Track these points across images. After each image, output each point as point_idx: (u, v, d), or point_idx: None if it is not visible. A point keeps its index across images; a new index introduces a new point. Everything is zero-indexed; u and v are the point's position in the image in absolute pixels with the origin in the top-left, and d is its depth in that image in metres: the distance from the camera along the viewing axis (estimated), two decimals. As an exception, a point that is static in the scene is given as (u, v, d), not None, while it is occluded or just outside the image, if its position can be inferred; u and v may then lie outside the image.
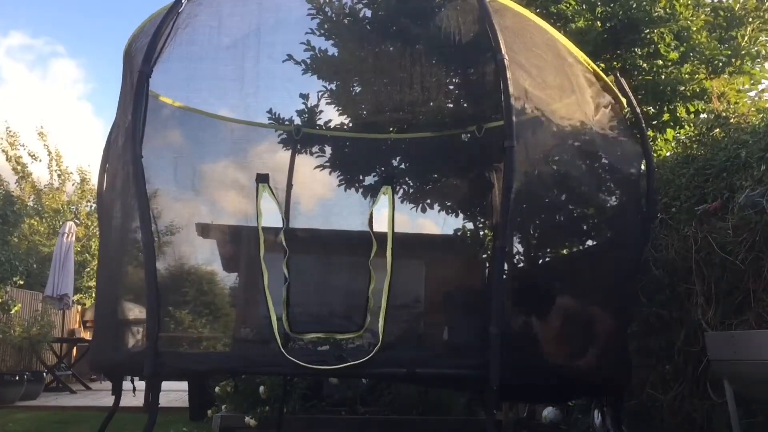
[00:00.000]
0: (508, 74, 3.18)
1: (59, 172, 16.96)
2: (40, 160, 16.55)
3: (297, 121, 5.69)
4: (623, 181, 4.36)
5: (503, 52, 3.19)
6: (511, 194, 3.13)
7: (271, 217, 4.30)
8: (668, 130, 5.76)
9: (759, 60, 5.96)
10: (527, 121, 4.00)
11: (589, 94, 3.95)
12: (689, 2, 5.72)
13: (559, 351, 3.89)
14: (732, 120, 4.99)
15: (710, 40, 5.75)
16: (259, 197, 3.56)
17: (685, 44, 5.62)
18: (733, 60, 5.84)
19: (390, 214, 3.36)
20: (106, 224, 4.24)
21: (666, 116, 5.64)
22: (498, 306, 3.12)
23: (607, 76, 4.34)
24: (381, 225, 3.66)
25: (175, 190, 4.30)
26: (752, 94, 6.08)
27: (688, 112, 5.65)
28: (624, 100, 4.21)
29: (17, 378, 8.90)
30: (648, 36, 5.56)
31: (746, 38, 5.91)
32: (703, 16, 5.74)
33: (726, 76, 5.77)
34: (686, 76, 5.44)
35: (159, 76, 3.36)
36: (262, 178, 3.61)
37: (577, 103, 3.90)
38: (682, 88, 5.49)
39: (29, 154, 16.28)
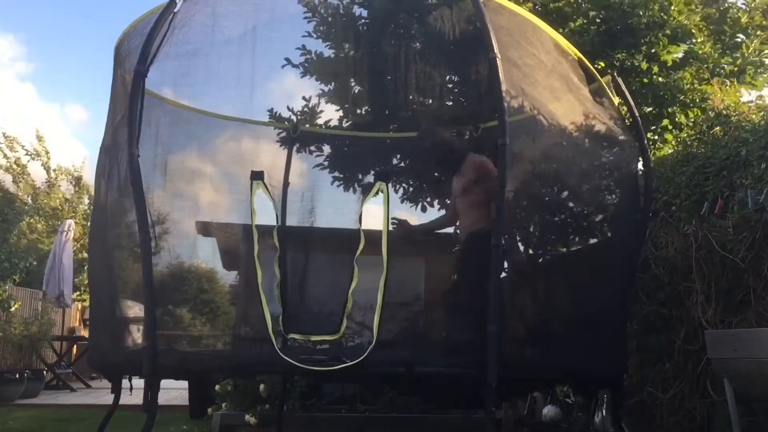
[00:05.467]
0: (501, 73, 3.17)
1: (55, 170, 16.90)
2: (39, 158, 16.50)
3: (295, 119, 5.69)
4: (621, 179, 4.35)
5: (495, 51, 3.18)
6: (504, 192, 3.13)
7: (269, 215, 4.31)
8: (667, 135, 5.76)
9: (761, 70, 5.97)
10: (524, 120, 3.99)
11: (586, 93, 3.94)
12: (683, 7, 5.71)
13: None
14: (732, 118, 4.98)
15: (714, 51, 5.76)
16: (254, 195, 3.54)
17: (681, 44, 5.62)
18: (735, 70, 5.85)
19: (385, 212, 3.34)
20: (100, 221, 4.22)
21: (665, 122, 5.64)
22: (495, 304, 3.11)
23: (605, 75, 4.33)
24: (374, 222, 3.63)
25: (171, 189, 4.28)
26: (753, 97, 6.10)
27: (687, 117, 5.66)
28: (617, 100, 4.19)
29: (17, 376, 8.90)
30: (644, 39, 5.56)
31: (751, 49, 5.92)
32: (698, 18, 5.72)
33: (728, 84, 5.76)
34: (686, 85, 5.45)
35: (155, 74, 3.35)
36: (257, 176, 3.59)
37: (575, 102, 3.89)
38: (682, 96, 5.51)
39: (27, 153, 16.24)
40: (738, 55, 5.90)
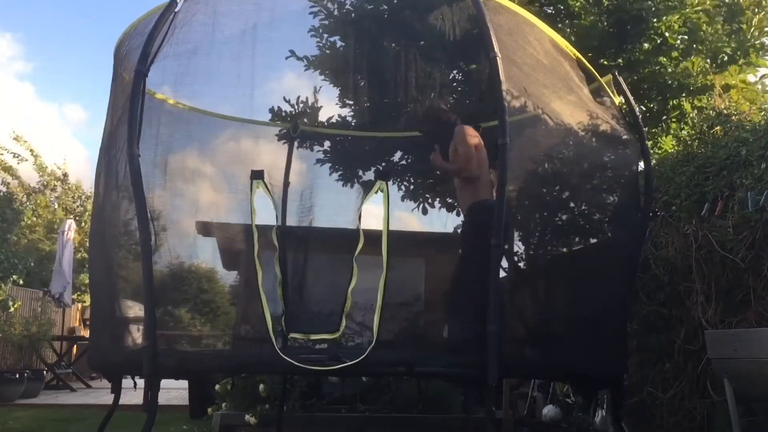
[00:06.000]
0: (501, 72, 3.17)
1: (47, 175, 16.88)
2: (26, 160, 16.48)
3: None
4: (622, 179, 4.35)
5: (496, 50, 3.18)
6: (505, 192, 3.12)
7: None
8: (672, 124, 5.73)
9: (762, 52, 5.93)
10: (525, 120, 3.98)
11: (586, 92, 3.94)
12: None
13: None
14: (733, 118, 4.98)
15: (716, 33, 5.72)
16: (254, 194, 3.54)
17: (690, 35, 5.59)
18: (739, 53, 5.81)
19: (385, 211, 3.34)
20: (100, 221, 4.22)
21: (674, 116, 5.62)
22: (495, 304, 3.11)
23: (609, 72, 4.32)
24: (373, 221, 3.63)
25: (171, 188, 4.28)
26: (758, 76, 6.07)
27: (693, 106, 5.62)
28: (618, 99, 4.19)
29: (17, 376, 8.90)
30: (655, 25, 5.52)
31: (752, 29, 5.88)
32: (708, 1, 5.69)
33: (732, 69, 5.73)
34: (696, 69, 5.41)
35: (154, 73, 3.34)
36: (257, 175, 3.59)
37: (575, 102, 3.89)
38: (690, 80, 5.47)
39: (14, 156, 16.21)
40: (740, 36, 5.83)
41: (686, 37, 5.59)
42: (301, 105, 5.77)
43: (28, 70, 33.05)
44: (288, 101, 5.68)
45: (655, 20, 5.49)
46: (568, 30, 4.88)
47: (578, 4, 5.64)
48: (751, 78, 6.05)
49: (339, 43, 5.75)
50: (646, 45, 5.61)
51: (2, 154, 15.84)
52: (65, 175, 17.20)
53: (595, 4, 5.72)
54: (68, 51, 33.44)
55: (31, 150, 16.41)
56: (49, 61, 32.65)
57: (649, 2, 5.49)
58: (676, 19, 5.47)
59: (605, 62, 5.36)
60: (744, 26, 5.82)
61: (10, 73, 31.47)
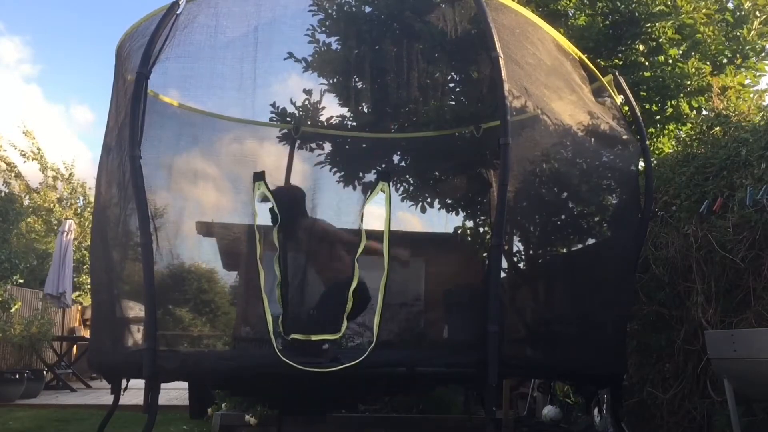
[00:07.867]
0: (503, 72, 3.17)
1: (52, 171, 16.87)
2: (33, 159, 16.44)
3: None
4: (622, 179, 4.36)
5: (498, 50, 3.18)
6: (506, 191, 3.13)
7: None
8: (670, 124, 5.73)
9: (764, 55, 5.93)
10: (526, 120, 3.99)
11: (587, 92, 3.95)
12: None
13: None
14: (732, 118, 4.98)
15: (716, 35, 5.72)
16: (255, 196, 3.54)
17: (688, 40, 5.59)
18: (737, 56, 5.81)
19: (387, 211, 3.35)
20: (101, 222, 4.23)
21: (669, 111, 5.61)
22: (495, 304, 3.12)
23: (607, 73, 4.33)
24: (375, 221, 3.63)
25: (173, 189, 4.28)
26: (756, 88, 6.07)
27: (691, 108, 5.62)
28: (619, 99, 4.19)
29: (17, 376, 8.89)
30: (649, 30, 5.53)
31: (752, 33, 5.88)
32: (704, 11, 5.70)
33: (730, 72, 5.73)
34: (692, 70, 5.41)
35: (156, 75, 3.35)
36: (259, 176, 3.59)
37: (576, 102, 3.89)
38: (688, 82, 5.47)
39: (21, 154, 16.17)
40: (739, 40, 5.83)
41: (682, 42, 5.58)
42: (303, 106, 5.76)
43: (35, 72, 33.18)
44: (294, 104, 5.68)
45: (648, 25, 5.50)
46: (562, 30, 4.87)
47: (571, 3, 5.64)
48: (749, 82, 6.04)
49: (335, 45, 5.74)
50: (641, 47, 5.62)
51: (5, 150, 15.83)
52: (71, 174, 17.19)
53: (590, 4, 5.73)
54: (76, 53, 33.61)
55: (38, 148, 16.41)
56: (57, 63, 32.80)
57: (642, 7, 5.49)
58: (669, 25, 5.47)
59: (602, 62, 5.37)
60: (744, 31, 5.82)
61: (17, 76, 31.66)
